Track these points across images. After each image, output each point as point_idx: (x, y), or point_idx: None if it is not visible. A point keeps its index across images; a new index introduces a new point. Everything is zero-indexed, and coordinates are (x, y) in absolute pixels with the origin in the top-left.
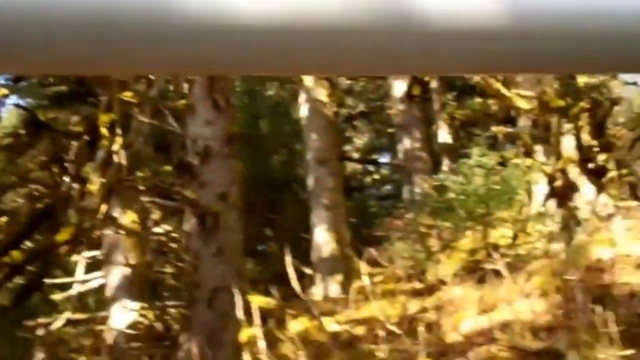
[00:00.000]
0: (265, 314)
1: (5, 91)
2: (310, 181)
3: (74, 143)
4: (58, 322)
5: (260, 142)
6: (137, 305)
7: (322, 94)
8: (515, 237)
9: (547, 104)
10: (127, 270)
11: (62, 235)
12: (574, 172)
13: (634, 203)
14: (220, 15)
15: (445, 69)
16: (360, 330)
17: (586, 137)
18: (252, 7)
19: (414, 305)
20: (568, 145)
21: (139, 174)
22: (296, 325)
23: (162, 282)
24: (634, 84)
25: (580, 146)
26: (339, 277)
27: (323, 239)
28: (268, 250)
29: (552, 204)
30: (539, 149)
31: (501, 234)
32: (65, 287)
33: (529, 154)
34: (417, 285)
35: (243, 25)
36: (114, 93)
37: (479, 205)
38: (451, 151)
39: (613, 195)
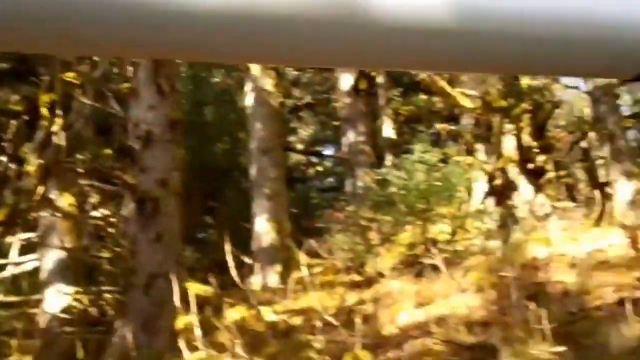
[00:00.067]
0: (202, 302)
1: None
2: (252, 170)
3: (13, 122)
4: None
5: (204, 129)
6: (71, 289)
7: (268, 84)
8: (453, 233)
9: (490, 104)
10: (63, 254)
11: None
12: (513, 171)
13: (571, 204)
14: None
15: (391, 64)
16: (297, 321)
17: (527, 138)
18: None
19: (352, 297)
20: (509, 145)
21: (79, 156)
22: (233, 314)
23: (98, 266)
24: (576, 88)
25: (520, 146)
26: (278, 267)
27: (263, 229)
28: (208, 238)
29: (491, 202)
30: (480, 147)
31: (440, 230)
32: None
33: (470, 152)
34: (356, 277)
35: (194, 10)
36: (56, 73)
37: (420, 201)
38: (395, 146)
39: (550, 195)
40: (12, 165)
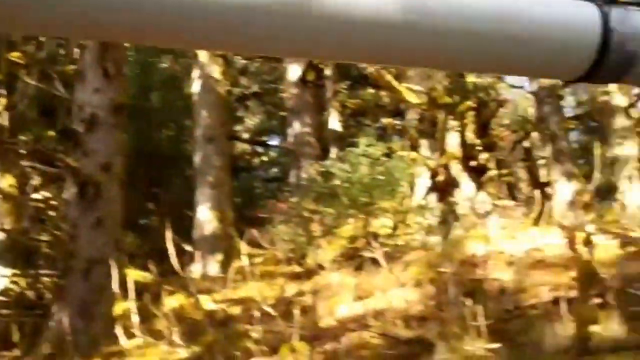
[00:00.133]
0: (141, 289)
1: None
2: (197, 158)
3: None
4: None
5: (149, 114)
6: (9, 271)
7: (216, 71)
8: (395, 227)
9: (435, 100)
10: (2, 236)
11: None
12: (456, 168)
13: (511, 203)
14: None
15: (340, 56)
16: (236, 310)
17: (470, 136)
18: None
19: (291, 288)
20: (452, 141)
21: (21, 137)
22: (172, 301)
23: (37, 249)
24: (521, 87)
25: (464, 144)
26: (219, 256)
27: (206, 217)
28: (149, 225)
29: (432, 197)
30: (424, 143)
31: (382, 224)
32: None
33: (414, 147)
34: (296, 268)
35: None
36: (1, 52)
37: (363, 194)
38: (340, 139)
39: (491, 193)
40: None
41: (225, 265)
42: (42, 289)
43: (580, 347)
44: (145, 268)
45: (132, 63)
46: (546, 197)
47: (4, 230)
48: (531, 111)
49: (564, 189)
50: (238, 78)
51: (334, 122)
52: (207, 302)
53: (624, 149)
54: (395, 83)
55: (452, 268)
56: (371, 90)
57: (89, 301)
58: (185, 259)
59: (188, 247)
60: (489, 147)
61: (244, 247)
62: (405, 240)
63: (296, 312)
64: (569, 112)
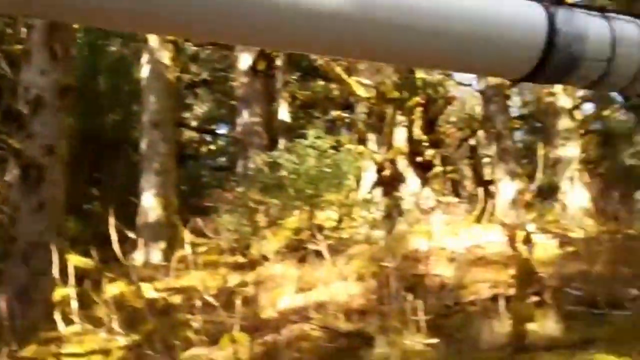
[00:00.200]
0: (82, 275)
1: None
2: (143, 144)
3: None
4: None
5: (96, 98)
6: None
7: (165, 57)
8: (340, 220)
9: (384, 94)
10: None
11: None
12: (402, 163)
13: (455, 199)
14: None
15: (290, 46)
16: (177, 299)
17: (418, 132)
18: None
19: (234, 279)
20: (400, 137)
21: None
22: (113, 288)
23: None
24: (469, 85)
25: (411, 139)
26: (162, 244)
27: (150, 204)
28: (93, 210)
29: (378, 192)
30: (372, 137)
31: (327, 216)
32: None
33: (362, 141)
34: (240, 259)
35: None
36: None
37: (309, 186)
38: (289, 130)
39: (436, 189)
40: None
41: (168, 253)
42: None
43: (516, 344)
44: (86, 254)
45: (80, 45)
46: (489, 195)
47: None
48: (478, 109)
49: (507, 188)
50: (188, 65)
51: (284, 112)
52: (149, 291)
53: (567, 150)
54: (345, 76)
55: (394, 263)
56: (321, 83)
57: (28, 286)
58: (128, 246)
59: (131, 234)
60: (436, 144)
61: (187, 235)
62: (350, 233)
63: (238, 302)
64: (514, 111)
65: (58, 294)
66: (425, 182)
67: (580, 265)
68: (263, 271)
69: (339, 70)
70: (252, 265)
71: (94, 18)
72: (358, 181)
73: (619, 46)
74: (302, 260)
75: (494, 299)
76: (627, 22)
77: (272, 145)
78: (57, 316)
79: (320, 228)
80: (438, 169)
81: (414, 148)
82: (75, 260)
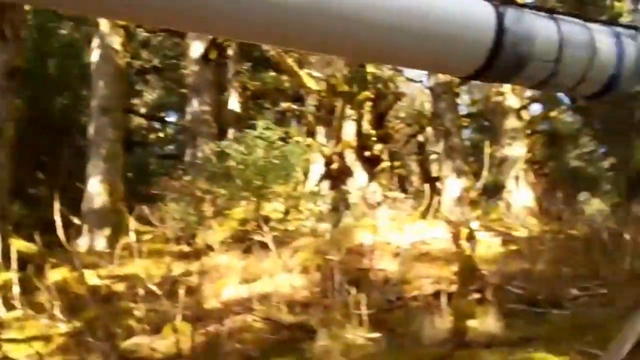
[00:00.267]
0: (25, 260)
1: None
2: (91, 129)
3: None
4: None
5: (45, 81)
6: None
7: (116, 42)
8: (286, 212)
9: (334, 88)
10: None
11: None
12: (350, 157)
13: (401, 195)
14: None
15: (241, 35)
16: (120, 287)
17: (367, 126)
18: None
19: (178, 268)
20: (349, 130)
21: None
22: (56, 274)
23: None
24: (420, 82)
25: (360, 133)
26: (107, 231)
27: (96, 190)
28: (38, 195)
29: (326, 185)
30: (321, 130)
31: (274, 208)
32: None
33: (311, 133)
34: (185, 248)
35: None
36: None
37: (257, 177)
38: (238, 120)
39: (383, 184)
40: None
41: (112, 240)
42: None
43: (456, 340)
44: (30, 239)
45: (30, 27)
46: (435, 191)
47: None
48: (427, 106)
49: (453, 185)
50: (139, 51)
51: (234, 102)
52: (92, 277)
53: (514, 149)
54: (296, 68)
55: (339, 256)
56: (272, 74)
57: None
58: (73, 231)
59: (76, 220)
60: (384, 139)
61: (132, 223)
62: (296, 225)
63: (181, 292)
64: (463, 109)
65: (0, 278)
66: (372, 176)
67: (522, 263)
68: (208, 261)
69: (290, 61)
70: (196, 254)
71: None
72: (306, 173)
73: (566, 47)
74: (247, 251)
75: (437, 294)
76: (575, 25)
77: (221, 134)
78: None
79: (267, 219)
80: (386, 164)
81: (363, 142)
82: (18, 244)
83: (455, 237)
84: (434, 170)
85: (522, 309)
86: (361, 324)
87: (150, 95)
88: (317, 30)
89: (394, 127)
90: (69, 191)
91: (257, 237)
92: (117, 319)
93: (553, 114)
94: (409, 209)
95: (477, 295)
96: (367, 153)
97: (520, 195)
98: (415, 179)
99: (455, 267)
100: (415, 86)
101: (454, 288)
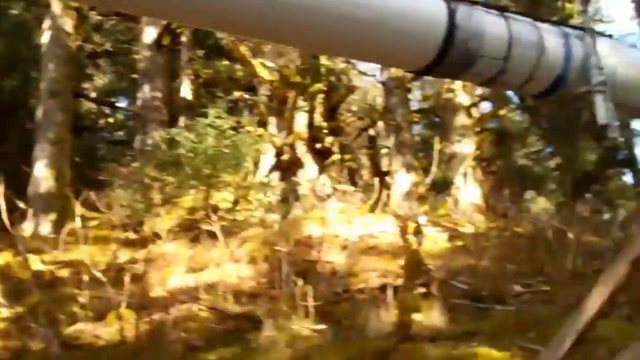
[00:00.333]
0: None
1: None
2: (39, 112)
3: None
4: None
5: None
6: None
7: (68, 24)
8: (236, 202)
9: (287, 78)
10: None
11: None
12: (301, 149)
13: (351, 188)
14: None
15: (191, 20)
16: (65, 273)
17: (318, 118)
18: None
19: (124, 255)
20: (300, 122)
21: None
22: None
23: None
24: (373, 76)
25: (311, 125)
26: (52, 216)
27: (42, 174)
28: None
29: (276, 176)
30: (273, 120)
31: (223, 197)
32: None
33: (262, 124)
34: (132, 235)
35: None
36: None
37: (207, 166)
38: (190, 108)
39: (333, 177)
40: None
41: (58, 225)
42: None
43: (401, 334)
44: None
45: None
46: (385, 185)
47: None
48: (379, 101)
49: (402, 180)
50: (91, 34)
51: (186, 90)
52: (36, 262)
53: (463, 146)
54: (249, 57)
55: (287, 247)
56: (226, 62)
57: None
58: (18, 216)
59: (21, 204)
60: (335, 132)
61: (79, 208)
62: (245, 216)
63: (127, 279)
64: (414, 105)
65: None
66: (322, 169)
67: (467, 259)
68: (154, 249)
69: (243, 50)
70: (143, 242)
71: None
72: (256, 164)
73: (515, 46)
74: (195, 240)
75: (383, 288)
76: (525, 24)
77: (171, 122)
78: None
79: (216, 209)
80: (336, 156)
81: (314, 134)
82: None
83: (403, 232)
84: (384, 164)
85: (466, 304)
86: (307, 315)
87: (101, 80)
88: (271, 19)
89: (346, 120)
90: (15, 175)
91: (205, 226)
92: (60, 305)
93: (502, 112)
94: (358, 202)
95: (422, 290)
96: (318, 145)
97: (468, 191)
98: (365, 173)
99: (402, 261)
100: (368, 80)
101: (400, 282)
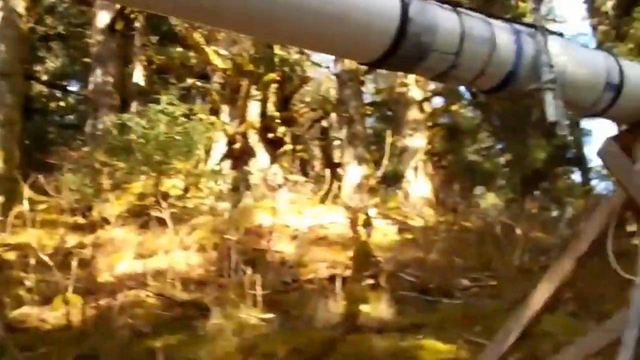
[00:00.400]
0: None
1: None
2: None
3: None
4: None
5: None
6: None
7: (20, 5)
8: (186, 189)
9: (240, 67)
10: None
11: None
12: (253, 138)
13: (302, 179)
14: None
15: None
16: (11, 256)
17: (271, 108)
18: None
19: (72, 240)
20: (253, 111)
21: None
22: None
23: None
24: (327, 68)
25: (264, 115)
26: (0, 198)
27: None
28: None
29: (227, 164)
30: (225, 109)
31: (173, 184)
32: None
33: (215, 111)
34: (80, 220)
35: None
36: None
37: (158, 152)
38: (142, 94)
39: (285, 167)
40: None
41: (6, 208)
42: None
43: (349, 324)
44: None
45: None
46: (336, 177)
47: None
48: (333, 92)
49: (353, 172)
50: (43, 16)
51: (138, 75)
52: None
53: (414, 140)
54: (203, 44)
55: (237, 236)
56: (179, 49)
57: None
58: None
59: None
60: (288, 122)
61: (27, 191)
62: (195, 203)
63: (74, 264)
64: (368, 98)
65: None
66: (274, 158)
67: (416, 252)
68: (103, 234)
69: (197, 37)
70: (92, 227)
71: None
72: (208, 152)
73: (467, 41)
74: (144, 226)
75: (332, 278)
76: (478, 20)
77: (123, 107)
78: None
79: (166, 195)
80: (288, 147)
81: (267, 124)
82: None
83: (353, 223)
84: (336, 156)
85: (414, 296)
86: (255, 304)
87: (52, 63)
88: (223, 6)
89: (299, 110)
90: None
91: (155, 213)
92: (6, 288)
93: (454, 107)
94: (309, 193)
95: (371, 281)
96: (270, 135)
97: (419, 185)
98: (317, 164)
99: (351, 253)
100: (322, 72)
101: (349, 273)
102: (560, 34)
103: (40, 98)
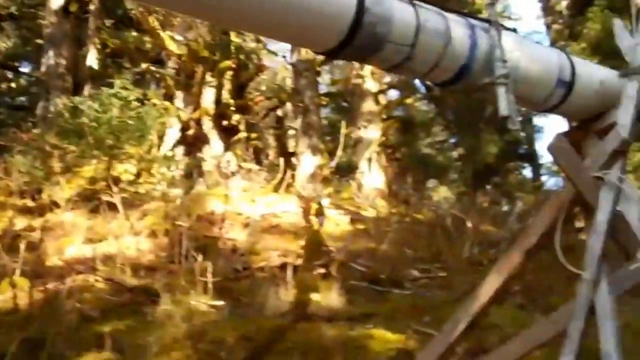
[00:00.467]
0: None
1: None
2: None
3: None
4: None
5: None
6: None
7: None
8: (138, 174)
9: (195, 53)
10: None
11: None
12: (208, 125)
13: (256, 167)
14: None
15: None
16: None
17: (226, 95)
18: None
19: (21, 222)
20: (208, 98)
21: None
22: None
23: None
24: (283, 57)
25: (219, 102)
26: None
27: None
28: None
29: (180, 150)
30: (180, 95)
31: (125, 169)
32: None
33: (169, 97)
34: (29, 203)
35: None
36: None
37: (110, 136)
38: (95, 77)
39: (238, 155)
40: None
41: None
42: None
43: (299, 312)
44: None
45: None
46: (290, 166)
47: None
48: (289, 82)
49: (307, 161)
50: None
51: (92, 59)
52: None
53: (369, 132)
54: (158, 29)
55: (188, 222)
56: (134, 33)
57: None
58: None
59: None
60: (243, 110)
61: None
62: (147, 189)
63: (22, 247)
64: (323, 88)
65: None
66: (228, 146)
67: (368, 243)
68: (52, 217)
69: (153, 22)
70: (41, 210)
71: None
72: (161, 137)
73: (422, 34)
74: (94, 210)
75: (283, 267)
76: (433, 13)
77: (76, 90)
78: None
79: (117, 180)
80: (242, 134)
81: (221, 111)
82: None
83: (305, 212)
84: (290, 145)
85: (364, 286)
86: (206, 291)
87: (4, 44)
88: None
89: (254, 99)
90: None
91: (105, 198)
92: None
93: (409, 101)
94: (262, 181)
95: (322, 270)
96: (224, 122)
97: (372, 177)
98: (271, 153)
99: (303, 242)
100: (278, 61)
101: (300, 262)
102: (514, 30)
103: None
